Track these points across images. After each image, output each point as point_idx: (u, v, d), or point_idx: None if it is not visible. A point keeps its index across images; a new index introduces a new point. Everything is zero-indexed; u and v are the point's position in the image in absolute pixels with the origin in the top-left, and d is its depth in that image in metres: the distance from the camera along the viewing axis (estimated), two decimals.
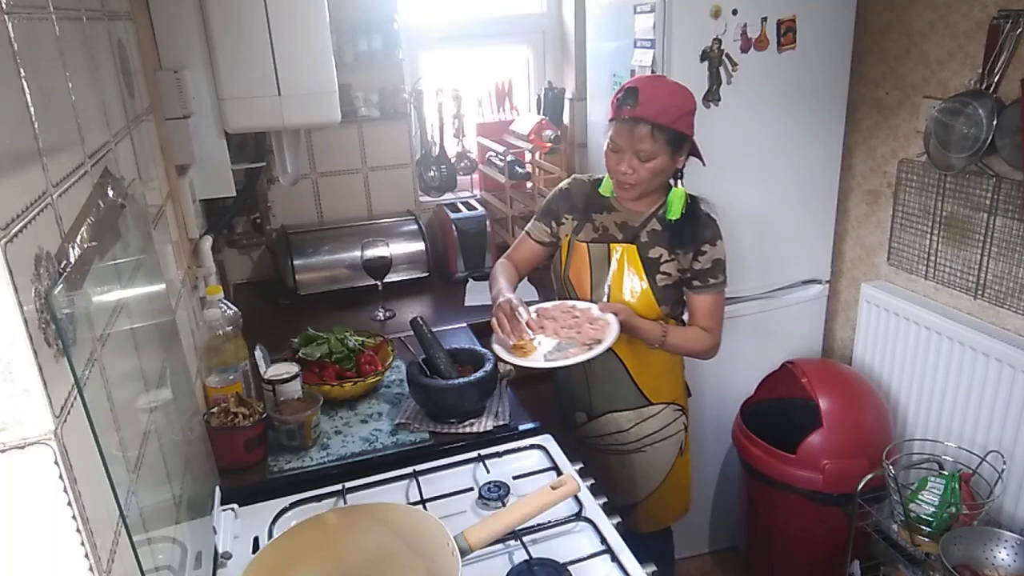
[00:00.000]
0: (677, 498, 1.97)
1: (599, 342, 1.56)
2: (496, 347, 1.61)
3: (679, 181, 1.72)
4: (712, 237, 1.69)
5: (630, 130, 1.58)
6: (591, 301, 1.73)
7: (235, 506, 1.33)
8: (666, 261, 1.69)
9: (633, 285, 1.71)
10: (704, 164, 1.70)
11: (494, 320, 1.62)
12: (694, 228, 1.68)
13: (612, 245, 1.72)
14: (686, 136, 1.63)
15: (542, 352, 1.59)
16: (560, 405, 1.95)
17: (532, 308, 1.69)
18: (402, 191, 2.76)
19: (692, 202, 1.70)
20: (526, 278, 2.01)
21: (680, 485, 1.95)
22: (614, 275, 1.72)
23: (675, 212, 1.68)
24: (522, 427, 1.61)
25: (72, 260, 0.72)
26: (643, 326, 1.67)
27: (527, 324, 1.60)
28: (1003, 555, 1.77)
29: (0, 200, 0.59)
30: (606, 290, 1.73)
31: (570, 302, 1.72)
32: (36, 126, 0.72)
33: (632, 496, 1.89)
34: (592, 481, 1.42)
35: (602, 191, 1.76)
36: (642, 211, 1.73)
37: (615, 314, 1.61)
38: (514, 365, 1.59)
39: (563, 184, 1.85)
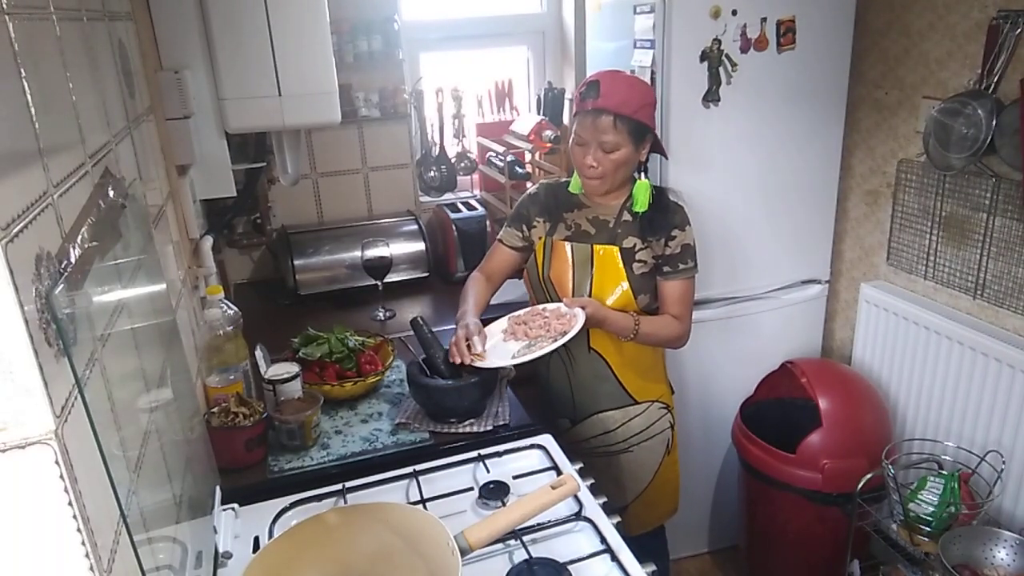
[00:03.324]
0: (666, 498, 1.97)
1: (565, 334, 1.57)
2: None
3: (643, 174, 1.75)
4: (681, 222, 1.72)
5: (593, 122, 1.63)
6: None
7: (235, 506, 1.33)
8: (640, 249, 1.72)
9: (614, 286, 1.72)
10: (667, 158, 1.74)
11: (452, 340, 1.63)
12: (664, 215, 1.72)
13: (595, 246, 1.73)
14: (648, 128, 1.66)
15: (510, 351, 1.60)
16: (542, 414, 1.95)
17: (505, 318, 1.72)
18: (402, 191, 2.76)
19: (658, 192, 1.74)
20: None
21: (669, 484, 1.95)
22: (595, 275, 1.73)
23: (641, 204, 1.71)
24: (522, 427, 1.62)
25: (73, 260, 0.72)
26: (613, 318, 1.68)
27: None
28: (1002, 555, 1.77)
29: (1, 200, 0.59)
30: (587, 290, 1.74)
31: (540, 306, 1.74)
32: (37, 126, 0.72)
33: (622, 499, 1.88)
34: (592, 481, 1.43)
35: (571, 189, 1.79)
36: (611, 204, 1.76)
37: (582, 307, 1.62)
38: (482, 368, 1.59)
39: (531, 189, 1.88)
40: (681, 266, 1.72)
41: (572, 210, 1.80)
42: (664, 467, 1.90)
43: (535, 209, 1.83)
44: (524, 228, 1.84)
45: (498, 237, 1.88)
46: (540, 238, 1.81)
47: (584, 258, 1.75)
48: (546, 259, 1.79)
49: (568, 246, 1.76)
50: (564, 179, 1.84)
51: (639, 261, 1.72)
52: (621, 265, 1.71)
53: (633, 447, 1.86)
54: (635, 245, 1.72)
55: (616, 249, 1.72)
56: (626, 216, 1.75)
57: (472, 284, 1.83)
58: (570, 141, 1.71)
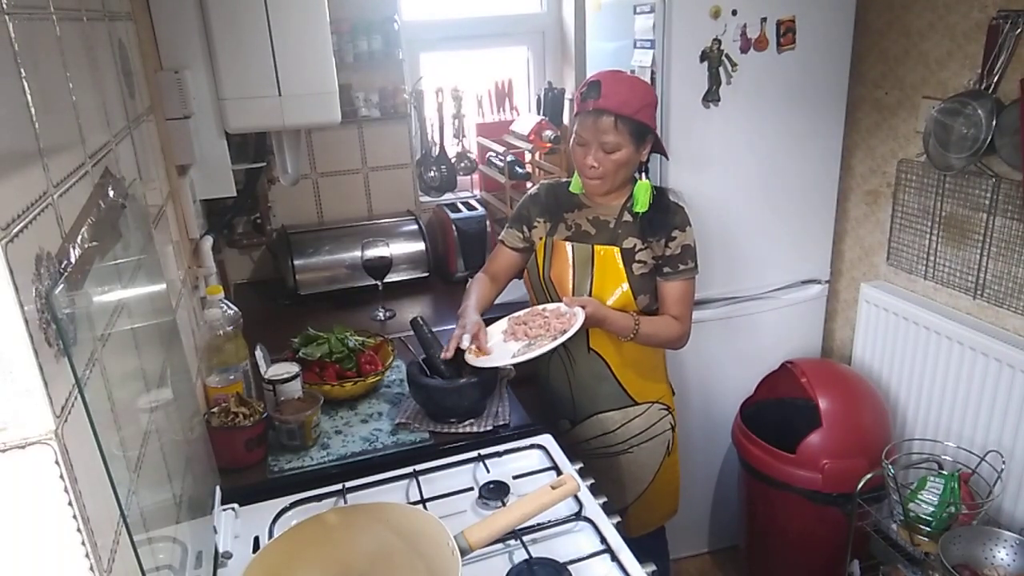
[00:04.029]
0: (666, 499, 1.96)
1: (564, 333, 1.56)
2: (466, 355, 1.62)
3: (644, 175, 1.75)
4: (681, 223, 1.72)
5: (594, 122, 1.62)
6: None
7: (235, 506, 1.33)
8: (640, 250, 1.71)
9: (614, 286, 1.72)
10: (668, 159, 1.75)
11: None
12: (664, 216, 1.72)
13: (596, 247, 1.73)
14: (649, 128, 1.66)
15: (510, 351, 1.59)
16: (543, 414, 1.94)
17: (505, 319, 1.72)
18: (402, 191, 2.76)
19: (658, 193, 1.74)
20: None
21: (669, 485, 1.94)
22: (596, 276, 1.73)
23: (642, 204, 1.70)
24: (522, 427, 1.62)
25: (73, 260, 0.72)
26: (613, 317, 1.67)
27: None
28: (1002, 555, 1.77)
29: (1, 200, 0.59)
30: (587, 290, 1.74)
31: (540, 306, 1.73)
32: (37, 126, 0.72)
33: (621, 500, 1.88)
34: (592, 480, 1.43)
35: (572, 189, 1.78)
36: (611, 205, 1.76)
37: (582, 306, 1.62)
38: (481, 368, 1.58)
39: (532, 190, 1.87)
40: (681, 267, 1.72)
41: (573, 210, 1.79)
42: (664, 468, 1.90)
43: (536, 210, 1.83)
44: (524, 229, 1.83)
45: (499, 238, 1.88)
46: (541, 238, 1.81)
47: (584, 258, 1.74)
48: (546, 259, 1.79)
49: (568, 246, 1.76)
50: (565, 179, 1.83)
51: (639, 262, 1.72)
52: (621, 265, 1.71)
53: (633, 448, 1.86)
54: (635, 245, 1.72)
55: (616, 250, 1.72)
56: (626, 216, 1.74)
57: (475, 283, 1.83)
58: (571, 141, 1.71)
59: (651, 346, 1.79)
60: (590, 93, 1.62)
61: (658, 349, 1.85)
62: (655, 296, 1.75)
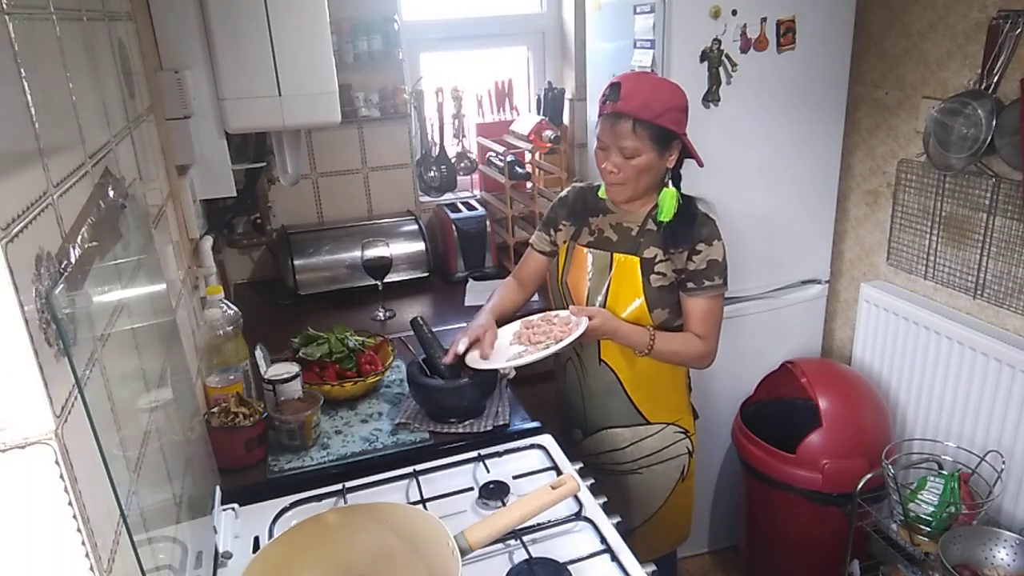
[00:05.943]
0: (676, 525, 1.90)
1: (559, 342, 1.54)
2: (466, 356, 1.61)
3: (672, 182, 1.66)
4: (708, 236, 1.62)
5: (612, 126, 1.55)
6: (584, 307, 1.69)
7: (235, 506, 1.34)
8: (661, 261, 1.63)
9: (629, 298, 1.65)
10: (701, 165, 1.64)
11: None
12: (689, 227, 1.62)
13: (615, 255, 1.66)
14: (673, 133, 1.57)
15: (508, 355, 1.58)
16: (560, 421, 1.91)
17: (518, 321, 1.70)
18: (402, 191, 2.76)
19: (686, 202, 1.64)
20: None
21: (680, 511, 1.87)
22: (612, 285, 1.66)
23: (666, 213, 1.61)
24: (522, 427, 1.62)
25: (73, 260, 0.72)
26: (626, 331, 1.60)
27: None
28: (1002, 555, 1.77)
29: (1, 200, 0.59)
30: (601, 299, 1.68)
31: (552, 312, 1.68)
32: (36, 126, 0.72)
33: (628, 521, 1.76)
34: (592, 481, 1.43)
35: (599, 194, 1.72)
36: (637, 212, 1.68)
37: (590, 317, 1.56)
38: (475, 369, 1.58)
39: (562, 192, 1.82)
40: (706, 283, 1.61)
41: (598, 215, 1.72)
42: (677, 493, 1.83)
43: (563, 212, 1.77)
44: (552, 232, 1.78)
45: (529, 241, 1.84)
46: (564, 242, 1.76)
47: (603, 266, 1.68)
48: (566, 264, 1.74)
49: (588, 252, 1.70)
50: (596, 183, 1.75)
51: (658, 273, 1.63)
52: (640, 276, 1.64)
53: (643, 469, 1.79)
54: (656, 256, 1.63)
55: (636, 259, 1.64)
56: (650, 225, 1.65)
57: (500, 287, 1.80)
58: (593, 145, 1.65)
59: (671, 363, 1.70)
60: (610, 95, 1.55)
61: (678, 369, 1.75)
62: (676, 311, 1.66)
